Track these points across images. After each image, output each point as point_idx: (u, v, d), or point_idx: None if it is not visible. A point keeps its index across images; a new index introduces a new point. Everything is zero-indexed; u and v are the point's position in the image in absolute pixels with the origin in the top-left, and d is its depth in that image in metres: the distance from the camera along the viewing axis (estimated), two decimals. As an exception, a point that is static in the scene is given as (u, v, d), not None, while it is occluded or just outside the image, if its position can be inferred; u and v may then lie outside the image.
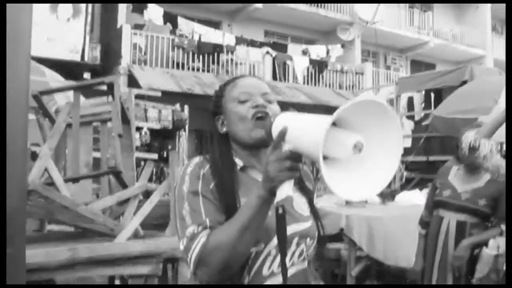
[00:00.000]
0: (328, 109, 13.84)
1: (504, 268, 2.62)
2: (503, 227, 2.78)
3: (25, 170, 2.03)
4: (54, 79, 7.43)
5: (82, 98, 5.54)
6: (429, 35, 17.82)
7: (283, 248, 1.18)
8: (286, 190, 1.10)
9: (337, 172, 1.05)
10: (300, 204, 1.39)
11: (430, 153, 8.28)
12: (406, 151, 8.68)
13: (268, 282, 1.26)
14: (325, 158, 1.04)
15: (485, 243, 2.78)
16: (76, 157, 3.56)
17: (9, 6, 1.83)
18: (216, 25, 14.95)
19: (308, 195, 1.45)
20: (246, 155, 1.39)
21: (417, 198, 5.06)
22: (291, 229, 1.29)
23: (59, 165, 3.93)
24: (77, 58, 10.83)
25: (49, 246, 3.14)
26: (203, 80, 11.87)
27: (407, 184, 8.09)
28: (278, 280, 1.26)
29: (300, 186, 1.44)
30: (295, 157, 1.08)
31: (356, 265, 4.13)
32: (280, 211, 1.13)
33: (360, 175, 1.06)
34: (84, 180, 3.70)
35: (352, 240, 4.01)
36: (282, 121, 1.17)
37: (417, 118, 9.23)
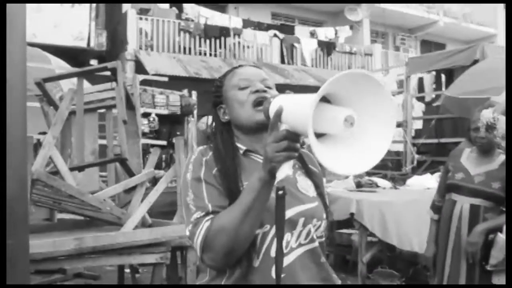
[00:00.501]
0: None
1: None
2: (519, 211, 2.70)
3: (24, 158, 2.00)
4: (60, 66, 7.40)
5: (88, 84, 5.50)
6: (438, 14, 17.50)
7: (280, 228, 1.20)
8: (286, 170, 1.10)
9: (333, 148, 1.06)
10: (305, 186, 1.40)
11: (441, 135, 8.16)
12: (417, 134, 8.59)
13: None
14: (320, 135, 1.07)
15: (500, 228, 2.71)
16: (81, 145, 3.52)
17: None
18: (222, 8, 14.76)
19: (312, 177, 1.44)
20: (248, 140, 1.41)
21: (428, 182, 4.98)
22: (296, 209, 1.31)
23: (65, 154, 3.89)
24: (83, 44, 10.75)
25: (57, 235, 3.13)
26: (210, 64, 11.77)
27: (419, 167, 8.00)
28: (287, 260, 1.26)
29: (305, 169, 1.45)
30: (292, 137, 1.08)
31: (367, 251, 4.07)
32: (280, 192, 1.15)
33: (356, 149, 1.07)
34: (90, 168, 3.66)
35: (363, 226, 3.94)
36: (278, 102, 1.17)
37: (428, 99, 9.09)
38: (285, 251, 1.26)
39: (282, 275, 1.22)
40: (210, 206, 1.24)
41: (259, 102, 1.35)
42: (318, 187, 1.43)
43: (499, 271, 2.73)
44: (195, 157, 1.37)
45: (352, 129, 1.01)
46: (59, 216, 4.18)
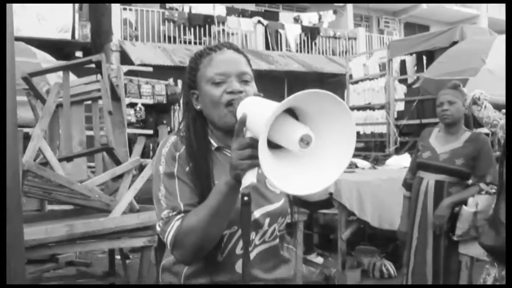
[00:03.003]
0: (321, 76, 13.87)
1: (482, 223, 2.72)
2: (482, 185, 2.88)
3: (16, 150, 2.11)
4: (46, 59, 7.45)
5: (74, 77, 5.59)
6: (422, -4, 17.62)
7: (246, 235, 1.21)
8: (250, 178, 1.08)
9: (288, 163, 1.06)
10: None
11: (423, 116, 8.30)
12: (399, 115, 8.74)
13: (241, 260, 1.29)
14: (281, 147, 1.07)
15: (465, 202, 2.88)
16: (68, 136, 3.64)
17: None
18: (206, -4, 14.81)
19: None
20: (221, 135, 1.37)
21: (406, 162, 5.14)
22: (263, 210, 1.34)
23: (54, 145, 4.01)
24: (67, 37, 10.76)
25: (49, 224, 3.26)
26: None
27: (402, 148, 8.17)
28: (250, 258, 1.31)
29: None
30: (256, 144, 1.04)
31: (346, 229, 4.24)
32: (246, 198, 1.13)
33: (309, 169, 1.06)
34: (79, 159, 3.79)
35: (341, 204, 4.11)
36: (245, 106, 1.17)
37: (410, 81, 9.20)
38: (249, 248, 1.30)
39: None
40: (182, 205, 1.25)
41: (232, 104, 1.28)
42: None
43: (465, 240, 2.92)
44: (167, 149, 1.34)
45: (309, 147, 0.99)
46: (49, 207, 4.31)
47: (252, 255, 1.32)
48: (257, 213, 1.32)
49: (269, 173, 1.00)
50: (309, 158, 1.05)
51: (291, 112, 1.05)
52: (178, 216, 1.24)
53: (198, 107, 1.37)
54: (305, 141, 0.98)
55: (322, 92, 0.99)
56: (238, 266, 1.30)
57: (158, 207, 1.28)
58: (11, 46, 2.05)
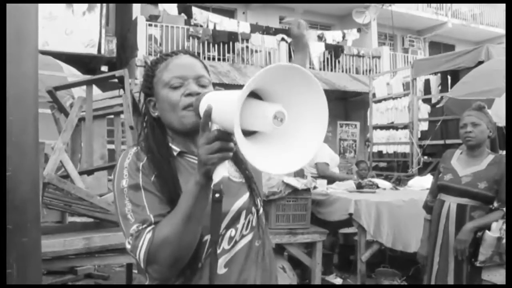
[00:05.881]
0: (344, 94, 13.82)
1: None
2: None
3: (37, 162, 2.14)
4: (72, 73, 7.60)
5: (98, 91, 5.68)
6: (447, 15, 17.52)
7: (215, 233, 1.16)
8: (221, 172, 1.04)
9: (264, 146, 1.02)
10: (232, 172, 1.34)
11: (447, 136, 8.20)
12: (423, 135, 8.64)
13: (222, 258, 1.26)
14: (253, 133, 1.04)
15: (488, 226, 2.81)
16: (90, 150, 3.68)
17: (15, 6, 1.94)
18: (230, 13, 14.98)
19: (237, 160, 1.37)
20: (182, 140, 1.33)
21: (428, 183, 5.06)
22: (238, 205, 1.30)
23: (75, 158, 4.07)
24: (93, 51, 10.98)
25: (67, 236, 3.28)
26: (219, 69, 11.95)
27: (425, 168, 8.05)
28: (231, 253, 1.28)
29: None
30: (224, 136, 1.03)
31: (366, 250, 4.17)
32: (217, 195, 1.07)
33: (287, 148, 1.03)
34: (99, 172, 3.83)
35: (361, 226, 4.05)
36: (207, 100, 1.11)
37: (434, 101, 9.11)
38: (230, 246, 1.27)
39: (225, 270, 1.25)
40: (152, 217, 1.17)
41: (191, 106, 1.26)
42: (244, 171, 1.36)
43: (488, 267, 2.83)
44: (129, 161, 1.27)
45: (283, 126, 0.96)
46: (70, 219, 4.34)
47: (235, 251, 1.28)
48: (234, 209, 1.29)
49: (249, 155, 0.95)
50: (281, 139, 1.02)
51: (256, 96, 1.02)
52: (149, 228, 1.15)
53: (156, 114, 1.34)
54: (278, 118, 0.94)
55: (287, 65, 0.95)
56: (220, 267, 1.25)
57: (126, 224, 1.18)
58: (35, 59, 2.09)
